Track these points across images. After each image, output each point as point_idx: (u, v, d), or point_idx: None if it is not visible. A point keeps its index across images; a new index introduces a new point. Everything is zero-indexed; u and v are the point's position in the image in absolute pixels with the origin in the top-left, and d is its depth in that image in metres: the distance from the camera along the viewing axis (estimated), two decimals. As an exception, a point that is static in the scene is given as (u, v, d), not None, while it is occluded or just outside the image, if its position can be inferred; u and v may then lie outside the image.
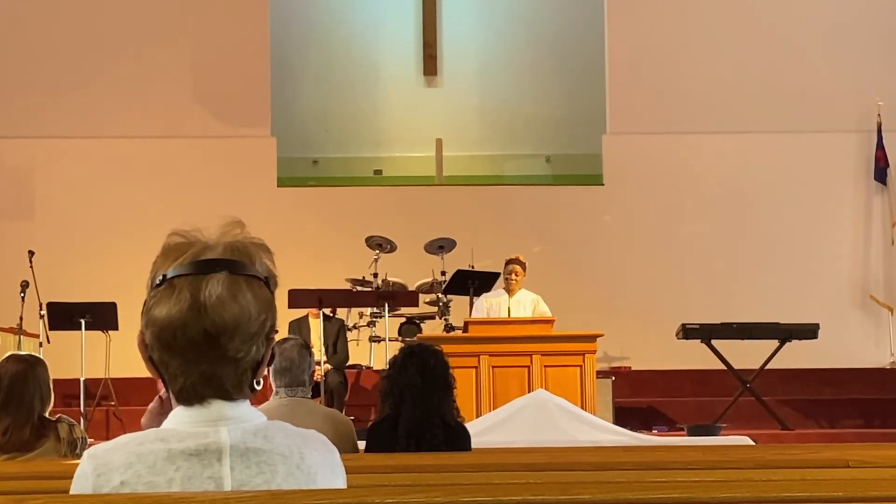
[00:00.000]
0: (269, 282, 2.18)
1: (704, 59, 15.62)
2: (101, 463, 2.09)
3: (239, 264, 2.14)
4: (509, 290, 11.73)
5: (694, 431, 10.79)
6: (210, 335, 2.09)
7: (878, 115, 15.21)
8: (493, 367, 10.50)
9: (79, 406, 11.61)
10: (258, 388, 2.19)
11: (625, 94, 15.71)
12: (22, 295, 12.41)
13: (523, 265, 11.75)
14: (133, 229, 14.36)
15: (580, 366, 10.51)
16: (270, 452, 2.11)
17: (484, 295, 11.98)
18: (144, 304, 2.15)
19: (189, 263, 2.12)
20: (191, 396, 2.13)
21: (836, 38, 15.63)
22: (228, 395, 2.13)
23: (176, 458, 2.07)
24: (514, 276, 11.68)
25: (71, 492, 2.12)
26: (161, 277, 2.13)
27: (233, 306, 2.10)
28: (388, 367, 5.93)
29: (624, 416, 11.59)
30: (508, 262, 11.78)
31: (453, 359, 6.27)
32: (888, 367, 14.63)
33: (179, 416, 2.14)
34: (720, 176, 15.50)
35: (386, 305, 12.62)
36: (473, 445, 5.79)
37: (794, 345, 12.26)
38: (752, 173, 15.47)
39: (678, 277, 15.21)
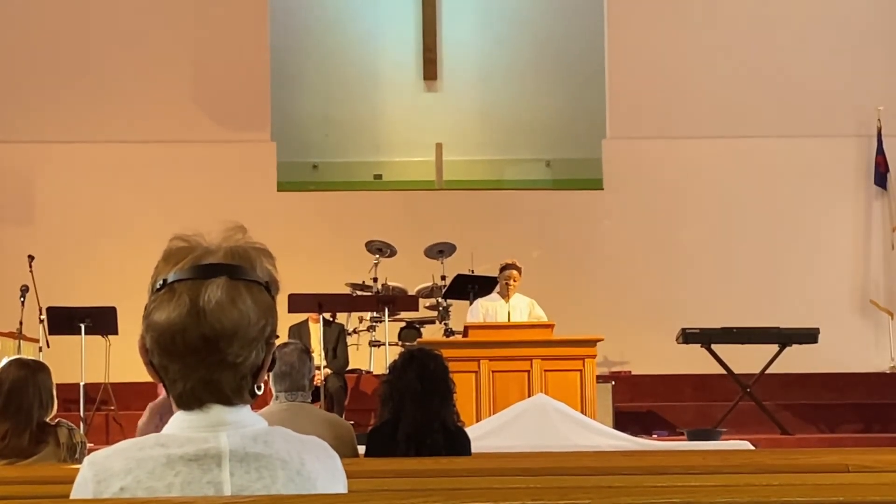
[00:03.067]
0: (269, 287, 2.18)
1: (704, 64, 15.63)
2: (101, 469, 2.10)
3: (239, 269, 2.14)
4: (506, 295, 11.70)
5: (694, 436, 10.78)
6: (209, 340, 2.09)
7: (879, 120, 15.23)
8: (492, 371, 10.49)
9: (78, 411, 11.61)
10: (259, 393, 2.19)
11: (625, 98, 15.72)
12: (22, 299, 12.41)
13: (519, 270, 11.73)
14: (133, 234, 14.36)
15: (580, 370, 10.50)
16: (270, 458, 2.11)
17: (479, 300, 11.95)
18: (145, 309, 2.15)
19: (189, 268, 2.13)
20: (190, 401, 2.13)
21: (836, 43, 15.64)
22: (228, 400, 2.13)
23: (175, 463, 2.07)
24: (512, 282, 11.66)
25: (71, 498, 2.12)
26: (162, 282, 2.14)
27: (232, 311, 2.10)
28: (387, 371, 5.94)
29: (624, 421, 11.58)
30: (505, 268, 11.74)
31: (453, 363, 6.27)
32: (888, 371, 14.62)
33: (179, 421, 2.14)
34: (720, 181, 15.51)
35: (386, 310, 12.63)
36: (473, 450, 5.80)
37: (794, 349, 12.26)
38: (752, 178, 15.48)
39: (678, 282, 15.20)
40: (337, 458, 2.23)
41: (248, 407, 2.18)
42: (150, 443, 2.11)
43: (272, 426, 2.19)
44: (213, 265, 2.13)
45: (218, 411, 2.13)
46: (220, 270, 2.12)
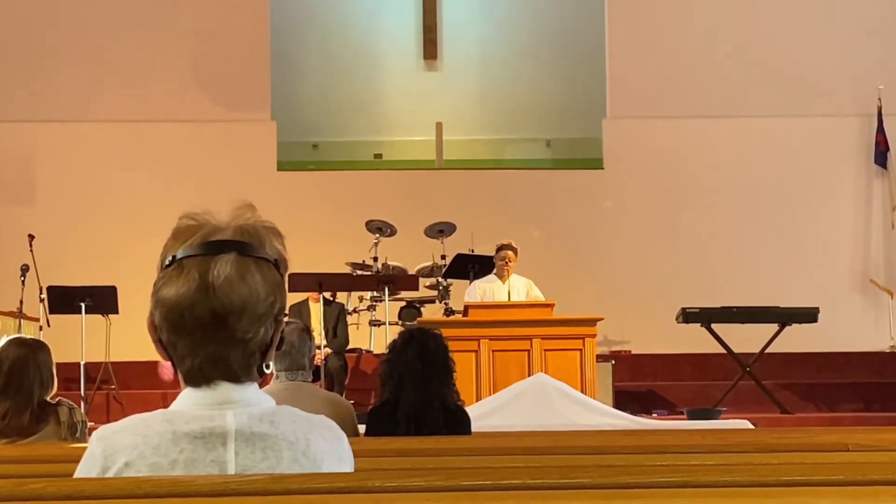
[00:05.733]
0: (278, 264, 2.19)
1: (704, 43, 15.60)
2: (108, 445, 2.11)
3: (248, 246, 2.14)
4: (503, 276, 11.70)
5: (694, 415, 10.79)
6: (218, 315, 2.10)
7: (879, 98, 15.22)
8: (492, 351, 10.50)
9: (79, 390, 11.62)
10: (268, 371, 2.19)
11: (625, 78, 15.70)
12: (22, 279, 12.41)
13: (515, 250, 11.72)
14: (133, 213, 14.38)
15: (580, 350, 10.50)
16: (276, 438, 2.12)
17: (476, 282, 11.95)
18: (154, 285, 2.15)
19: (198, 244, 2.13)
20: (198, 378, 2.14)
21: (837, 22, 15.61)
22: (236, 377, 2.14)
23: (181, 440, 2.08)
24: (508, 262, 11.66)
25: (78, 473, 2.13)
26: (170, 258, 2.14)
27: (241, 287, 2.10)
28: (387, 351, 5.93)
29: (624, 400, 11.60)
30: (501, 248, 11.75)
31: (453, 343, 6.26)
32: (888, 350, 14.64)
33: (187, 398, 2.15)
34: (720, 160, 15.50)
35: (386, 289, 12.63)
36: (473, 429, 5.80)
37: (793, 329, 12.27)
38: (752, 157, 15.47)
39: (678, 261, 15.21)
40: (345, 439, 2.24)
41: (256, 385, 2.18)
42: (158, 419, 2.12)
43: (279, 406, 2.19)
44: (222, 241, 2.13)
45: (225, 389, 2.13)
46: (229, 247, 2.12)
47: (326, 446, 2.18)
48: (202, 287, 2.09)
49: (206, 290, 2.09)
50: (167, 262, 2.14)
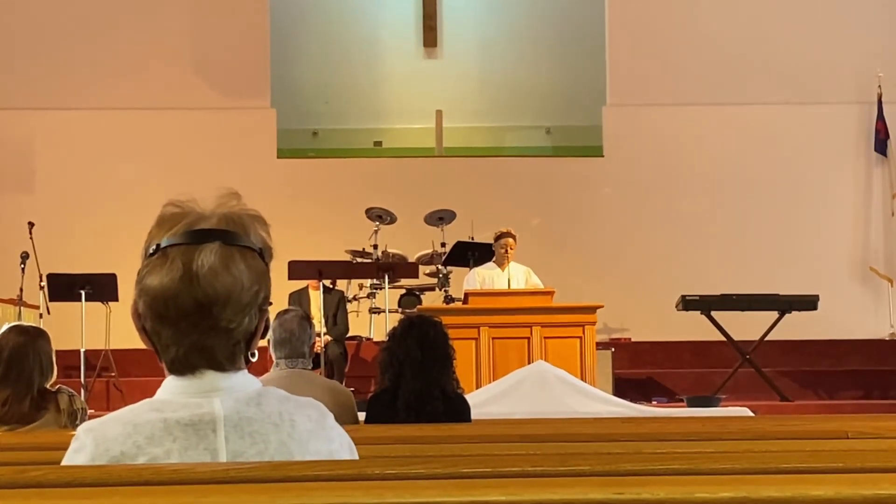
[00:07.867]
0: (263, 253, 2.17)
1: (704, 30, 15.58)
2: (98, 434, 2.09)
3: (233, 235, 2.12)
4: (503, 264, 11.70)
5: (693, 403, 10.79)
6: (202, 305, 2.08)
7: (879, 86, 15.21)
8: (492, 338, 10.50)
9: (79, 377, 11.62)
10: (253, 359, 2.18)
11: (625, 65, 15.68)
12: (22, 266, 12.41)
13: (515, 238, 11.72)
14: (133, 201, 14.34)
15: (580, 337, 10.50)
16: (262, 422, 2.11)
17: (475, 269, 11.95)
18: (138, 274, 2.14)
19: (182, 233, 2.11)
20: (183, 367, 2.13)
21: (837, 9, 15.59)
22: (221, 367, 2.13)
23: (172, 428, 2.07)
24: (508, 250, 11.67)
25: (64, 464, 2.11)
26: (155, 247, 2.12)
27: (225, 276, 2.09)
28: (387, 338, 5.93)
29: (623, 388, 11.61)
30: (501, 236, 11.75)
31: (453, 330, 6.26)
32: (887, 338, 14.65)
33: (172, 387, 2.14)
34: (720, 148, 15.49)
35: (386, 277, 12.63)
36: (473, 417, 5.81)
37: (793, 316, 12.27)
38: (752, 145, 15.46)
39: (678, 249, 15.21)
40: (330, 417, 2.22)
41: (244, 371, 2.17)
42: (145, 408, 2.11)
43: (266, 387, 2.19)
44: (206, 230, 2.12)
45: (211, 377, 2.12)
46: (213, 235, 2.11)
47: (312, 426, 2.17)
48: (186, 277, 2.08)
49: (190, 280, 2.08)
50: (151, 251, 2.13)
